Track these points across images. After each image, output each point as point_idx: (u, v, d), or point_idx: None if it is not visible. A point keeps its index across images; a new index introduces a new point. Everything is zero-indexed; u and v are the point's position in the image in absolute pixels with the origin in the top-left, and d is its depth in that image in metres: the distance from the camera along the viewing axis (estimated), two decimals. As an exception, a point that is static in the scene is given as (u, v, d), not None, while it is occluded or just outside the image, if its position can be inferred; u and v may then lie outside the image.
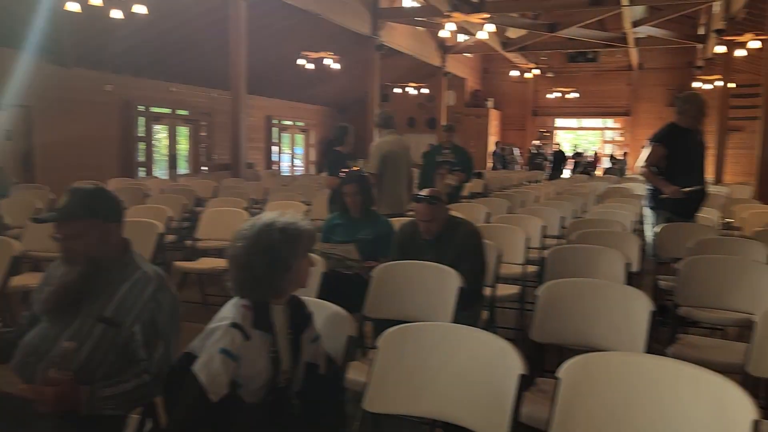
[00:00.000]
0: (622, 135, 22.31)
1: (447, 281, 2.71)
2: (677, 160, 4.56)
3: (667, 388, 1.50)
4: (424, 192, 3.19)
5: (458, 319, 2.57)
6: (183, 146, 14.62)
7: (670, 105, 20.19)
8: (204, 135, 14.65)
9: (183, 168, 14.37)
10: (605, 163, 20.64)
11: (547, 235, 5.08)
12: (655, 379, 1.53)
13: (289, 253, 1.80)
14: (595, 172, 18.37)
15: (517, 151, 21.27)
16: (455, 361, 1.83)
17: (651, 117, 21.06)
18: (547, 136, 22.96)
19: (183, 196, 6.59)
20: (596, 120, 22.83)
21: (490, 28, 11.51)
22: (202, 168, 14.37)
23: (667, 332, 3.10)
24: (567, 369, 1.58)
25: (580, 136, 23.20)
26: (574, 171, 18.66)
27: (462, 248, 3.10)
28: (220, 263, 4.50)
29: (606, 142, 22.79)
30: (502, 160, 19.92)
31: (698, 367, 1.50)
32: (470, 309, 2.98)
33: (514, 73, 19.52)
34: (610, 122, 22.71)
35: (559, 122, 23.26)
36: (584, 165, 18.81)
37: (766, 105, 7.65)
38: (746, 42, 10.96)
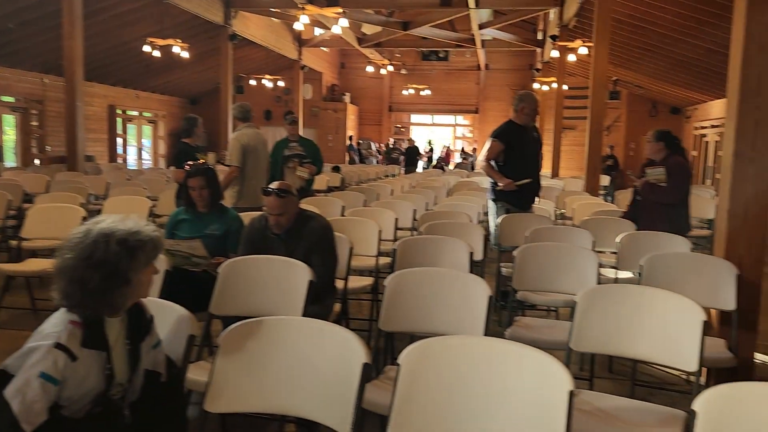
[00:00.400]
0: (471, 131, 23.61)
1: (297, 275, 2.69)
2: (513, 155, 4.90)
3: (496, 366, 1.61)
4: (274, 185, 3.14)
5: (309, 312, 2.56)
6: (10, 137, 13.20)
7: (513, 104, 21.64)
8: (35, 125, 13.33)
9: (11, 161, 12.98)
10: (457, 158, 21.71)
11: (400, 227, 5.25)
12: (487, 360, 1.63)
13: (128, 267, 1.64)
14: (448, 167, 19.26)
15: (374, 146, 21.72)
16: (300, 355, 1.83)
17: (498, 115, 22.45)
18: (403, 131, 23.71)
19: (8, 191, 5.95)
20: (448, 116, 23.93)
21: (344, 23, 11.60)
22: (35, 161, 13.09)
23: (507, 315, 3.32)
24: (407, 355, 1.64)
25: (434, 132, 24.18)
26: (427, 165, 19.44)
27: (312, 242, 3.10)
28: (50, 265, 4.11)
29: (458, 138, 23.98)
30: (359, 154, 20.25)
31: (524, 346, 1.63)
32: (322, 302, 2.99)
33: (370, 68, 19.87)
34: (460, 119, 23.92)
35: (414, 118, 24.09)
36: (438, 160, 19.65)
37: (593, 106, 8.46)
38: (576, 48, 12.02)
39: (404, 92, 21.86)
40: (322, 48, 19.63)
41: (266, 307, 2.62)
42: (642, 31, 12.53)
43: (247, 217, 3.67)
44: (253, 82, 18.74)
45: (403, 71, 21.77)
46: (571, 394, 1.48)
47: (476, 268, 4.98)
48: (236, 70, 14.59)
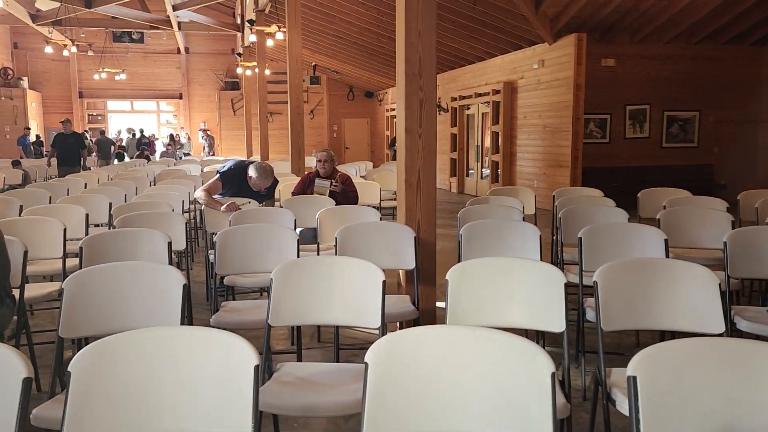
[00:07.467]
0: (176, 117, 22.58)
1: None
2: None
3: (184, 352, 1.57)
4: None
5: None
6: None
7: (221, 89, 21.30)
8: None
9: None
10: (160, 147, 20.45)
11: (95, 223, 4.83)
12: (172, 347, 1.58)
13: None
14: (154, 156, 18.10)
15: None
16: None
17: (204, 100, 21.91)
18: (99, 119, 21.68)
19: None
20: (150, 102, 22.48)
21: (10, -4, 10.04)
22: None
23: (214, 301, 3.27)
24: (77, 361, 1.50)
25: (136, 119, 22.48)
26: (129, 155, 17.97)
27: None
28: None
29: (162, 125, 22.71)
30: (31, 148, 17.41)
31: (208, 329, 1.62)
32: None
33: (49, 50, 17.49)
34: (164, 105, 22.69)
35: (111, 105, 22.12)
36: (141, 148, 18.27)
37: (291, 90, 8.75)
38: (274, 33, 12.25)
39: (96, 76, 19.62)
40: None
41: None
42: (332, 19, 13.33)
43: None
44: None
45: (91, 53, 19.58)
46: (257, 369, 1.52)
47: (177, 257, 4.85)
48: None
